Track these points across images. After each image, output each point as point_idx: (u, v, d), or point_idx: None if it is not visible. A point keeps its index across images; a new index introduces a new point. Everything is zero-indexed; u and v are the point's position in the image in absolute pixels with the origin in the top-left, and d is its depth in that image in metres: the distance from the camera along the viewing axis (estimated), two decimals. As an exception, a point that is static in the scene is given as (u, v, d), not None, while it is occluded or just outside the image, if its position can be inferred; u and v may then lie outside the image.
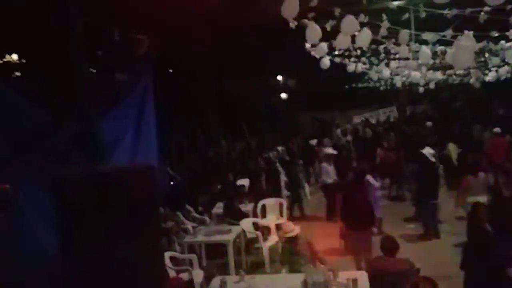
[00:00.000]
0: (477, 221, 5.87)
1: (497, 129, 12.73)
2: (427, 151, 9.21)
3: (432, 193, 8.89)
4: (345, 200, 7.67)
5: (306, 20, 6.32)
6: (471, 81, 17.31)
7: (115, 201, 2.57)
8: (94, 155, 2.77)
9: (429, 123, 18.05)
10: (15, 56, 17.31)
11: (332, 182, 10.50)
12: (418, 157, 9.46)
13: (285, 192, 11.30)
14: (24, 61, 17.34)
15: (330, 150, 11.41)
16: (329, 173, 10.60)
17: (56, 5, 2.72)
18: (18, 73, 17.04)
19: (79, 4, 2.70)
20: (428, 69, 13.93)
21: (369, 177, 8.77)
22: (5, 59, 17.11)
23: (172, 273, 6.53)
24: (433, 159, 9.20)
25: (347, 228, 7.50)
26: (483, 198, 7.95)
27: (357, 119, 24.95)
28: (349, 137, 18.68)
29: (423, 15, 6.50)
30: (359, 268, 6.74)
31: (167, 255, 6.71)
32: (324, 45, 8.45)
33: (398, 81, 17.00)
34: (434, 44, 7.68)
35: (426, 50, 7.82)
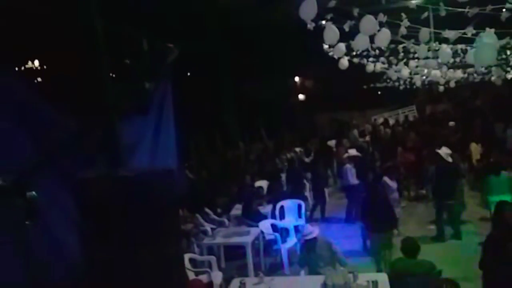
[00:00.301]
0: (502, 220, 5.76)
1: (520, 127, 12.49)
2: (444, 151, 9.05)
3: (449, 193, 8.71)
4: (366, 201, 7.60)
5: (324, 21, 6.30)
6: (493, 79, 16.99)
7: (136, 204, 2.59)
8: (114, 159, 2.79)
9: (451, 123, 17.77)
10: (36, 62, 17.65)
11: (355, 184, 10.40)
12: (434, 157, 9.31)
13: (305, 193, 11.21)
14: (46, 67, 17.68)
15: (354, 152, 11.30)
16: (353, 174, 10.51)
17: (81, 13, 2.76)
18: (40, 79, 17.38)
19: (103, 12, 2.74)
20: (449, 68, 13.72)
21: (386, 178, 8.66)
22: (28, 66, 17.47)
23: (191, 275, 6.56)
24: (450, 159, 9.02)
25: (368, 229, 7.44)
26: (507, 197, 7.80)
27: (376, 119, 24.71)
28: (367, 138, 18.50)
29: (443, 13, 6.41)
30: (379, 270, 6.67)
31: (187, 257, 6.75)
32: (342, 46, 8.40)
33: (418, 80, 16.81)
34: (454, 42, 7.57)
35: (446, 48, 7.72)
